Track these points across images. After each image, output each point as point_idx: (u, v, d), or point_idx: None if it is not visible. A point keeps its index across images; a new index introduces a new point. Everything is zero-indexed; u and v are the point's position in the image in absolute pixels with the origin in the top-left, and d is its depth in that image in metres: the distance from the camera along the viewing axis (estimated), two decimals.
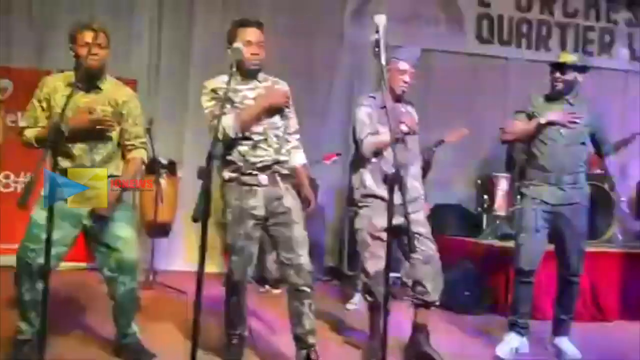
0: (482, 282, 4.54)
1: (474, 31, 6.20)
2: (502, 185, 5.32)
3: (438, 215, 5.76)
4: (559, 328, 3.45)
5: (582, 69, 3.38)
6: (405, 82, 3.06)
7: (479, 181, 5.64)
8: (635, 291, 4.52)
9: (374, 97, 3.09)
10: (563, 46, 6.40)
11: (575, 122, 3.28)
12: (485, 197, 5.43)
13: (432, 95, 6.05)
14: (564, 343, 3.41)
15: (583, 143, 3.36)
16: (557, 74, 3.34)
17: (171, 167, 4.98)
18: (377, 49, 2.22)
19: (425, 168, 4.62)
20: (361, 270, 3.09)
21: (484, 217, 5.43)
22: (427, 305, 3.04)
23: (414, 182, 3.06)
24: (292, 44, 5.51)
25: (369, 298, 3.02)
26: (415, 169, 3.11)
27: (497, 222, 5.26)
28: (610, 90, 6.51)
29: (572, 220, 3.32)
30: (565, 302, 3.43)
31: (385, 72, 2.36)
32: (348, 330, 3.64)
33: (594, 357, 3.44)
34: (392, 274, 3.41)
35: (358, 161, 3.12)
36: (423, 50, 5.90)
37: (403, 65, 3.05)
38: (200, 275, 1.87)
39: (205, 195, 1.81)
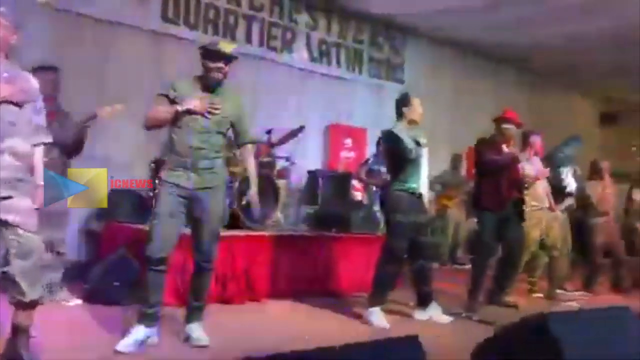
0: (138, 271, 4.34)
1: (160, 10, 5.97)
2: None
3: (112, 201, 5.41)
4: (190, 315, 3.43)
5: (229, 60, 3.38)
6: None
7: (152, 165, 5.44)
8: (283, 271, 4.89)
9: None
10: (249, 38, 6.63)
11: (212, 113, 3.28)
12: (157, 181, 5.26)
13: (111, 68, 5.66)
14: (195, 330, 3.39)
15: (221, 132, 3.40)
16: (209, 63, 3.30)
17: None
18: None
19: (74, 144, 4.19)
20: None
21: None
22: (25, 306, 2.69)
23: (8, 159, 2.63)
24: None
25: None
26: (14, 142, 2.66)
27: None
28: (290, 86, 7.03)
29: (208, 204, 3.32)
30: (197, 288, 3.42)
31: None
32: None
33: (242, 334, 3.56)
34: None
35: None
36: (103, 21, 5.57)
37: None
38: None
39: None
